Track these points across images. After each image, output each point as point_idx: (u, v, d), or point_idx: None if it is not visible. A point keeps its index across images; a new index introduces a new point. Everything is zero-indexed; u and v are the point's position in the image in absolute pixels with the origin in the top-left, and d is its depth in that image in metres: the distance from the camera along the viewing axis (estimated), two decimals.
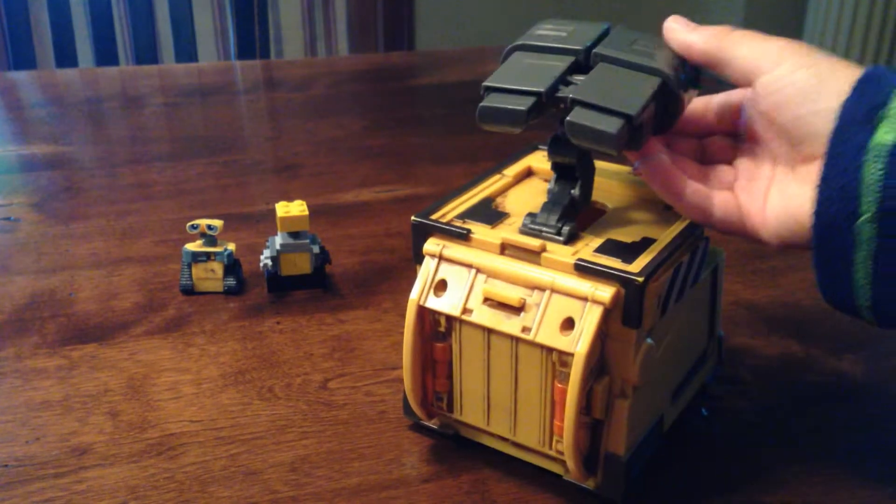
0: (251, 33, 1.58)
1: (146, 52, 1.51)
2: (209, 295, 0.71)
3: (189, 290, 0.71)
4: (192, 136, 1.05)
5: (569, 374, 0.46)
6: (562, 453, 0.48)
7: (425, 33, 2.41)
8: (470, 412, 0.52)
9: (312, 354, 0.64)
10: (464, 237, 0.49)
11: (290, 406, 0.58)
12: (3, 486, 0.51)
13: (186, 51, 1.53)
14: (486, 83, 0.48)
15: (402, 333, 0.50)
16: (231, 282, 0.71)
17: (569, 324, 0.46)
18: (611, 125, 0.45)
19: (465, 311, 0.48)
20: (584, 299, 0.46)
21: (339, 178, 0.93)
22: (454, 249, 0.49)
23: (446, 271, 0.49)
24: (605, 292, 0.45)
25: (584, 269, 0.46)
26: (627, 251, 0.48)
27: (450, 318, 0.49)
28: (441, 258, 0.50)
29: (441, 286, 0.49)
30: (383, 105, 1.18)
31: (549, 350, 0.47)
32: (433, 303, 0.49)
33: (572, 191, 0.50)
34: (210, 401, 0.59)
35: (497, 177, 0.56)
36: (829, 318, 0.69)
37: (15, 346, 0.64)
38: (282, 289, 0.71)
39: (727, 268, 0.76)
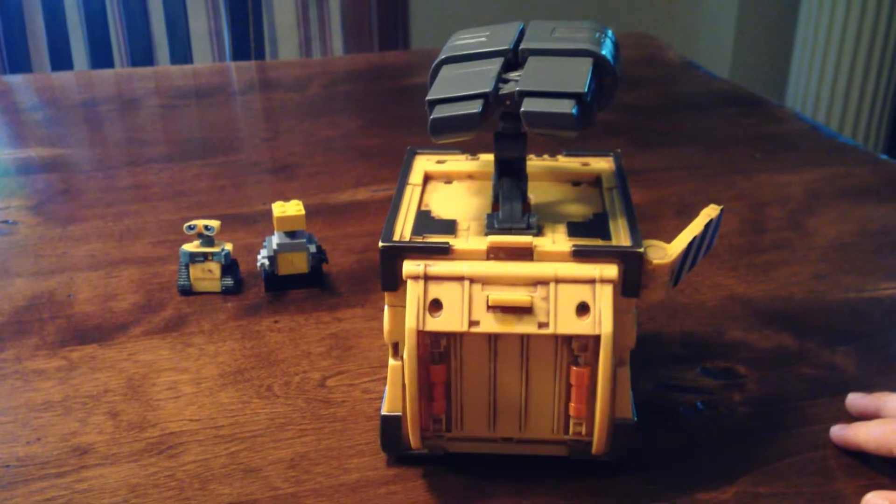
0: (246, 34, 1.58)
1: (141, 55, 1.51)
2: (207, 295, 0.71)
3: (187, 291, 0.71)
4: (188, 138, 1.06)
5: (588, 357, 0.47)
6: (580, 434, 0.49)
7: (420, 32, 2.41)
8: (472, 424, 0.51)
9: (310, 353, 0.64)
10: (445, 251, 0.48)
11: (288, 404, 0.59)
12: (5, 486, 0.52)
13: (181, 52, 1.53)
14: (429, 97, 0.48)
15: None
16: (228, 282, 0.71)
17: (583, 308, 0.47)
18: (566, 106, 0.46)
19: (472, 323, 0.47)
20: (592, 281, 0.47)
21: (335, 178, 0.94)
22: (439, 266, 0.47)
23: (437, 290, 0.47)
24: (612, 270, 0.47)
25: (582, 254, 0.47)
26: (595, 228, 0.50)
27: (450, 336, 0.48)
28: (427, 277, 0.47)
29: (435, 306, 0.47)
30: (379, 104, 1.18)
31: (566, 338, 0.47)
32: (433, 325, 0.47)
33: (520, 183, 0.51)
34: (209, 400, 0.59)
35: (409, 188, 0.56)
36: (822, 311, 0.70)
37: (15, 348, 0.64)
38: (279, 288, 0.72)
39: (721, 263, 0.76)
